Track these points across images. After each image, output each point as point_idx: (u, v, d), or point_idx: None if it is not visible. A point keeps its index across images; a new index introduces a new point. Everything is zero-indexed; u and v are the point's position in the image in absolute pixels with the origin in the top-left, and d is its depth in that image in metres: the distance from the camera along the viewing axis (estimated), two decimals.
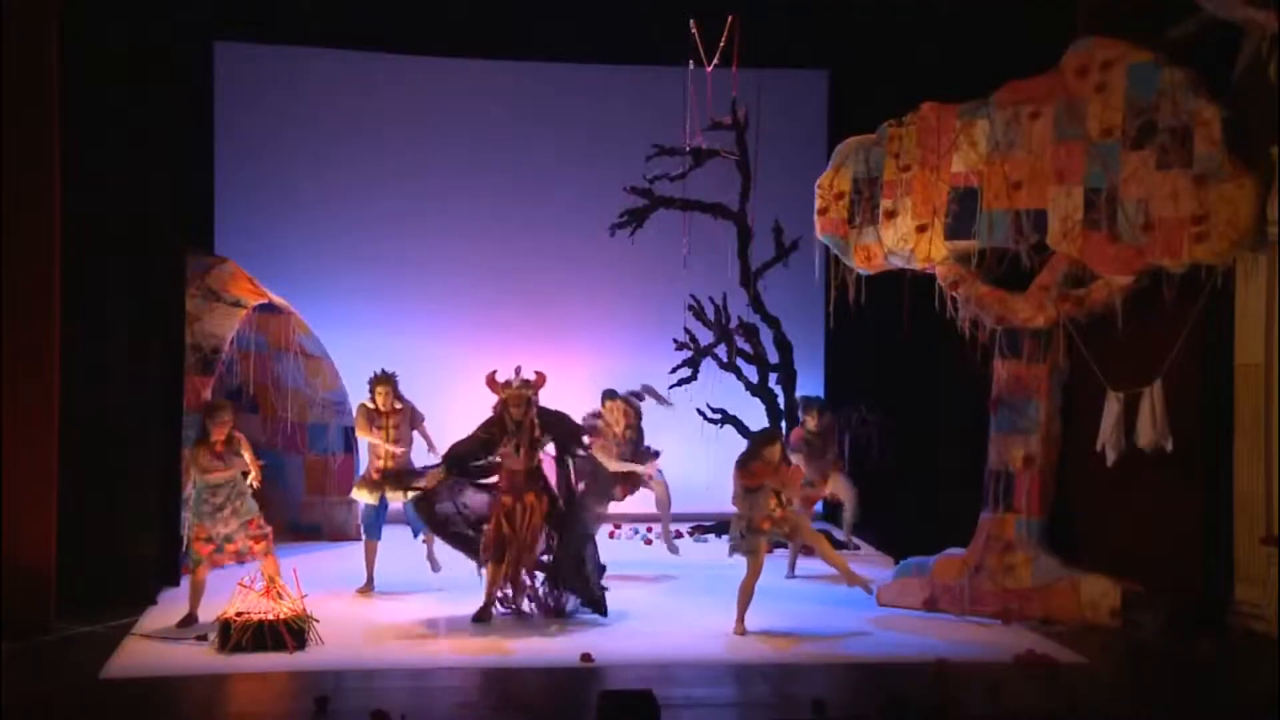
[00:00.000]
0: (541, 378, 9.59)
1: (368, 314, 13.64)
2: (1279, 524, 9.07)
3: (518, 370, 9.59)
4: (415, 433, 10.67)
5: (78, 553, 9.27)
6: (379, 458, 10.53)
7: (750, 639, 9.03)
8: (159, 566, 10.01)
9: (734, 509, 9.39)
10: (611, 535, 12.22)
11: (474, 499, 9.63)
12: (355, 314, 13.53)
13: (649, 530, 12.93)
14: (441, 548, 10.29)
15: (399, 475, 10.22)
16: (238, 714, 7.66)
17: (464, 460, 9.56)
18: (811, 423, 11.39)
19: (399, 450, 10.46)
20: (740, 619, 9.15)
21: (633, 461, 11.19)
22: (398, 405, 10.55)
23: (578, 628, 9.27)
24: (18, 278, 8.94)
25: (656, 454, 11.36)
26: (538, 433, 9.52)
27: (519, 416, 9.44)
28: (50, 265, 9.04)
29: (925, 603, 9.79)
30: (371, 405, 10.56)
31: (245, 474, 9.17)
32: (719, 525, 12.75)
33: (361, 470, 10.99)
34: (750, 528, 9.25)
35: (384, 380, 10.54)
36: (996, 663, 8.43)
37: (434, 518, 9.62)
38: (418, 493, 9.66)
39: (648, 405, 11.63)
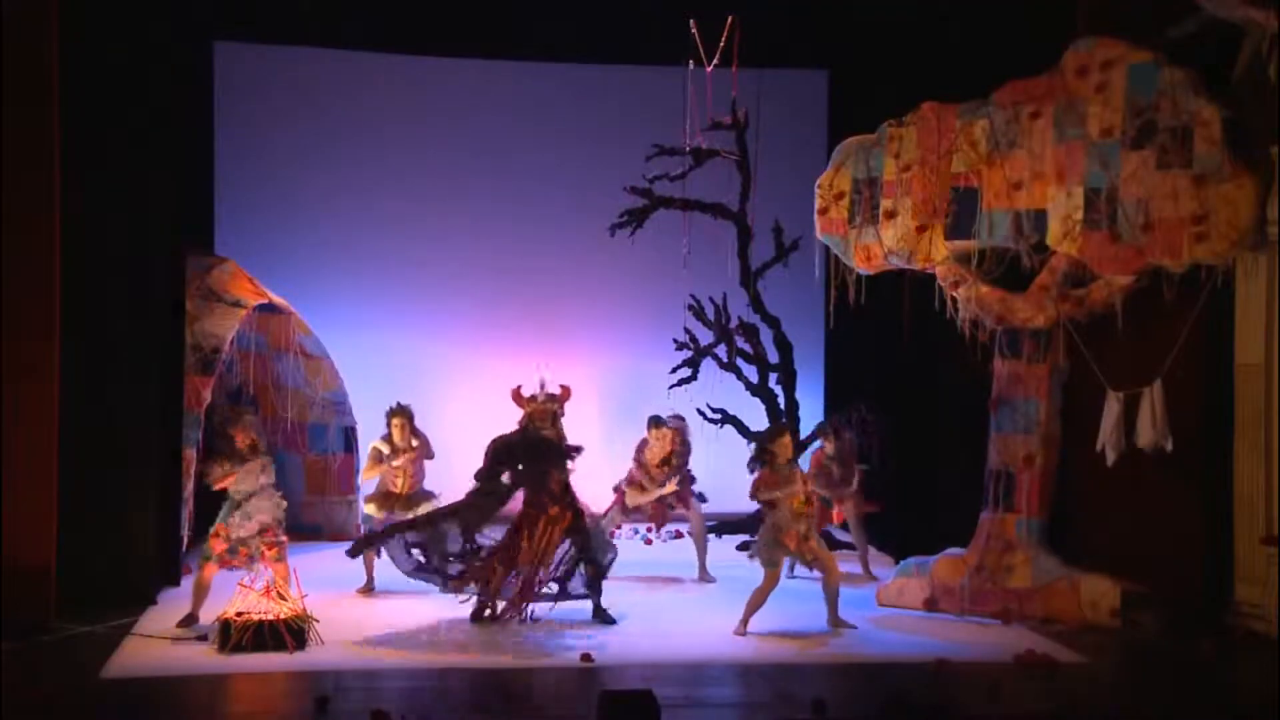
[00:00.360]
0: (567, 391, 9.58)
1: (368, 314, 13.63)
2: (1279, 524, 9.08)
3: (543, 384, 9.57)
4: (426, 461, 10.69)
5: (78, 553, 9.28)
6: (394, 485, 10.54)
7: (750, 639, 9.03)
8: (159, 566, 10.01)
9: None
10: (611, 535, 12.19)
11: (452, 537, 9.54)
12: (355, 314, 13.52)
13: (649, 530, 12.92)
14: None
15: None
16: (238, 714, 7.67)
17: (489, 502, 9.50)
18: (829, 447, 11.35)
19: (408, 464, 10.47)
20: (744, 621, 9.14)
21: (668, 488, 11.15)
22: (414, 442, 10.53)
23: (578, 628, 9.26)
24: (18, 278, 8.94)
25: (693, 479, 11.29)
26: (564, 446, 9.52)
27: (545, 430, 9.43)
28: (50, 265, 9.04)
29: (925, 603, 9.79)
30: (386, 447, 10.52)
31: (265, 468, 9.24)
32: (719, 525, 12.75)
33: (368, 485, 10.91)
34: (775, 540, 9.22)
35: (400, 412, 10.53)
36: (996, 663, 8.43)
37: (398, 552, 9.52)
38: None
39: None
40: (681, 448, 11.31)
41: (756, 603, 9.18)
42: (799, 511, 9.19)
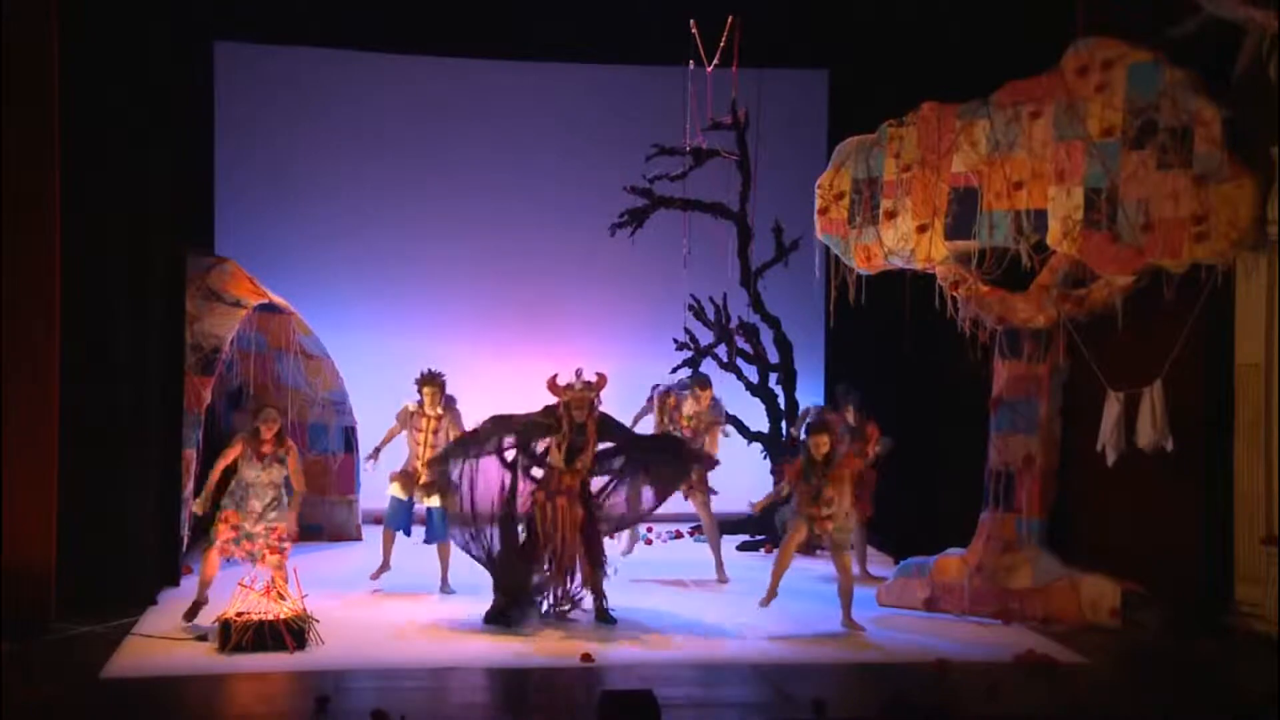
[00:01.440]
0: (602, 379, 9.53)
1: (368, 314, 13.64)
2: (1279, 524, 9.08)
3: (579, 373, 9.54)
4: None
5: (78, 553, 9.26)
6: (417, 457, 10.48)
7: (751, 639, 9.03)
8: (159, 566, 10.00)
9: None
10: (612, 536, 12.18)
11: (486, 482, 9.54)
12: (355, 314, 13.52)
13: (649, 530, 12.92)
14: (453, 572, 10.25)
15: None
16: (238, 714, 7.67)
17: (509, 427, 9.52)
18: (850, 415, 11.29)
19: (432, 433, 10.47)
20: (772, 587, 9.40)
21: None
22: (439, 411, 10.46)
23: (578, 628, 9.27)
24: (18, 277, 8.94)
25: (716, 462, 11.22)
26: (594, 444, 9.45)
27: (581, 419, 9.39)
28: (50, 265, 9.04)
29: (925, 603, 9.79)
30: (415, 408, 10.49)
31: (289, 487, 9.18)
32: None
33: (386, 467, 10.84)
34: (794, 510, 9.42)
35: (430, 380, 10.46)
36: (996, 663, 8.43)
37: (447, 485, 9.63)
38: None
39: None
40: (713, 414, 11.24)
41: (782, 563, 9.44)
42: (812, 495, 9.28)
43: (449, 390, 10.60)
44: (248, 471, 9.13)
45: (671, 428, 11.16)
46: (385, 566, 10.39)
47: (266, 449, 9.13)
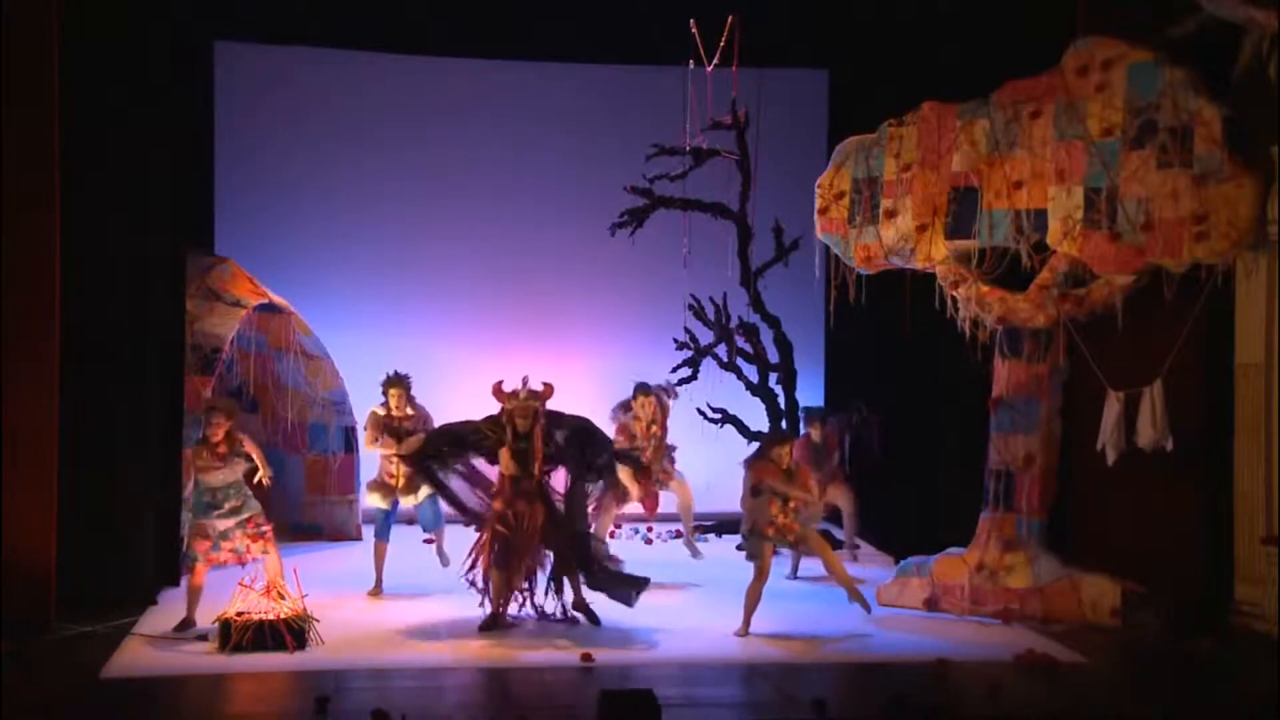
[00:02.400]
0: (549, 389, 9.40)
1: (368, 314, 13.64)
2: (1279, 524, 9.08)
3: (525, 380, 9.45)
4: None
5: (78, 553, 9.27)
6: (390, 463, 10.43)
7: (751, 639, 9.03)
8: (159, 566, 10.00)
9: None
10: (611, 535, 12.19)
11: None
12: (355, 314, 13.52)
13: (649, 530, 12.92)
14: (450, 544, 10.23)
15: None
16: (238, 714, 7.67)
17: (449, 438, 9.47)
18: (815, 434, 11.43)
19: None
20: (745, 622, 9.14)
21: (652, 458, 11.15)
22: (410, 411, 10.42)
23: (576, 628, 9.26)
24: (18, 277, 8.94)
25: (672, 448, 11.30)
26: (546, 446, 9.35)
27: (525, 429, 9.26)
28: (50, 265, 9.04)
29: (925, 603, 9.79)
30: (383, 411, 10.44)
31: (251, 474, 9.08)
32: (719, 525, 12.76)
33: (371, 473, 10.80)
34: (753, 531, 9.25)
35: (396, 382, 10.40)
36: (996, 663, 8.43)
37: (428, 471, 9.56)
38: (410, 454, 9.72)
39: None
40: (663, 416, 11.36)
41: (752, 600, 9.18)
42: (772, 513, 9.21)
43: (431, 391, 10.60)
44: (209, 478, 8.96)
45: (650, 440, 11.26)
46: (379, 585, 10.30)
47: (222, 450, 8.97)
